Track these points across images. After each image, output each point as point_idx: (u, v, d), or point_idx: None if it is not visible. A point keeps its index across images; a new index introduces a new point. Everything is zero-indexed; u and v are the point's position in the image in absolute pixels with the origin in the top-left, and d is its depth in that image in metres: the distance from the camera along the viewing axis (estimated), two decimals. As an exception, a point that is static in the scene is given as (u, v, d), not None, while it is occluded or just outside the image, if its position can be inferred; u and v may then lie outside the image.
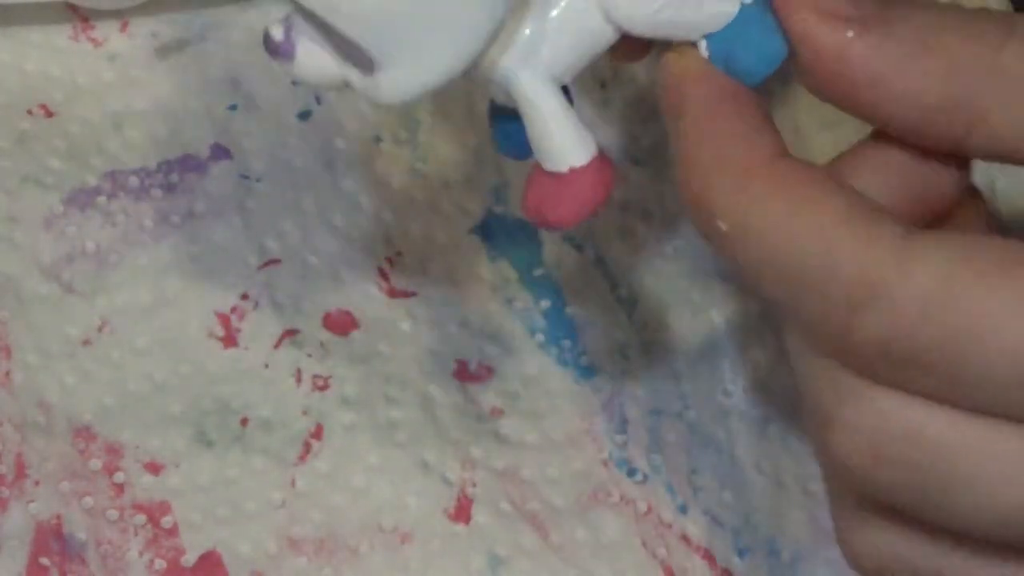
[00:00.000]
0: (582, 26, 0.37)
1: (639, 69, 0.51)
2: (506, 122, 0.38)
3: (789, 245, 0.37)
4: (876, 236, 0.36)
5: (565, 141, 0.37)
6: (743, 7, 0.38)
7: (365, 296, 0.47)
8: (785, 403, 0.47)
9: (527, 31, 0.37)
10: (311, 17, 0.36)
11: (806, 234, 0.37)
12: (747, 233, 0.37)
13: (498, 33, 0.36)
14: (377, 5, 0.35)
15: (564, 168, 0.37)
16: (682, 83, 0.38)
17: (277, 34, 0.36)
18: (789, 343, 0.39)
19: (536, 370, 0.47)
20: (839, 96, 0.38)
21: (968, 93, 0.37)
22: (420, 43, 0.36)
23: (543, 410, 0.47)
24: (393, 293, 0.48)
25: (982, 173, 0.47)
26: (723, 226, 0.37)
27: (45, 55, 0.49)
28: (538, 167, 0.37)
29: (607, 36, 0.38)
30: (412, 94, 0.37)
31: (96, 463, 0.44)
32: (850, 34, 0.37)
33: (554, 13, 0.37)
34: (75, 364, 0.45)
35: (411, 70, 0.36)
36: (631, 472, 0.46)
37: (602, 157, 0.37)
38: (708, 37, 0.38)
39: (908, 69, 0.37)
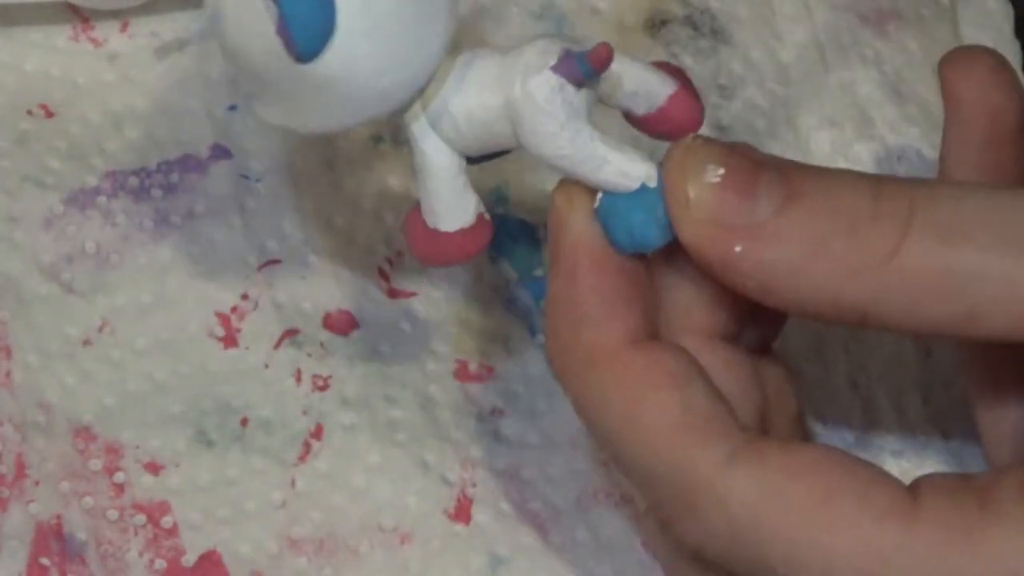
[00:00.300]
0: (485, 122, 0.38)
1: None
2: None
3: (619, 443, 0.38)
4: (698, 455, 0.37)
5: (440, 207, 0.39)
6: (643, 187, 0.38)
7: (365, 296, 0.47)
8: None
9: (433, 105, 0.38)
10: None
11: (633, 438, 0.38)
12: (586, 415, 0.39)
13: (352, 122, 0.38)
14: (240, 60, 0.37)
15: (432, 226, 0.39)
16: (561, 226, 0.39)
17: None
18: None
19: (536, 370, 0.47)
20: (728, 287, 0.38)
21: (860, 297, 0.37)
22: (278, 103, 0.38)
23: (543, 410, 0.46)
24: (393, 293, 0.48)
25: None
26: (568, 396, 0.39)
27: (45, 55, 0.49)
28: (418, 208, 0.39)
29: (512, 141, 0.38)
30: (281, 127, 0.39)
31: (96, 463, 0.44)
32: (738, 248, 0.37)
33: (455, 105, 0.38)
34: (75, 364, 0.45)
35: (274, 113, 0.39)
36: (631, 472, 0.46)
37: (477, 224, 0.39)
38: (604, 192, 0.38)
39: (796, 280, 0.37)
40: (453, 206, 0.39)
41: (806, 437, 0.43)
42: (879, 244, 0.36)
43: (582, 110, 0.37)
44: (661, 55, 0.51)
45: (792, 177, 0.37)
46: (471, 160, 0.39)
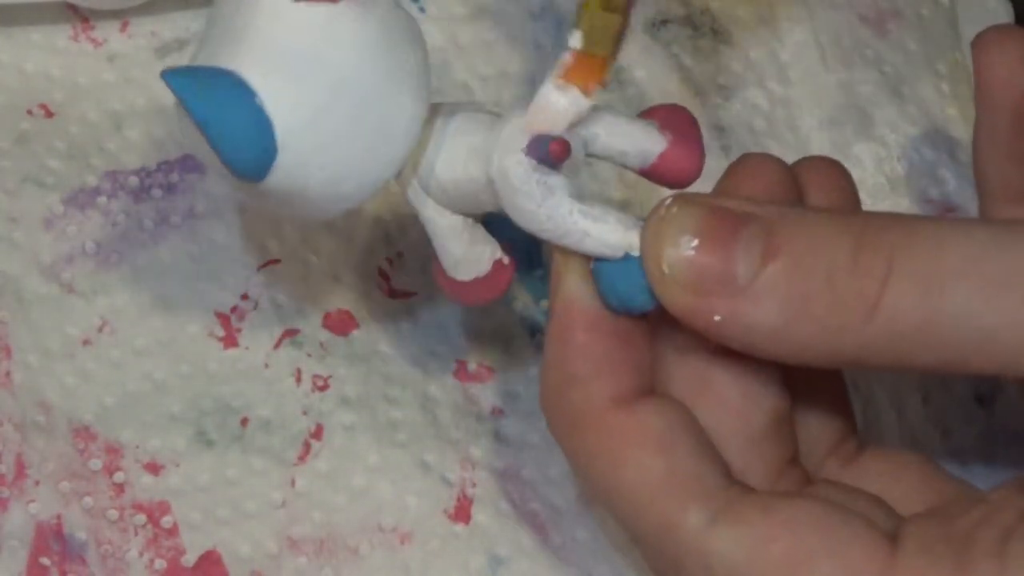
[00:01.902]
0: (471, 192, 0.39)
1: (639, 69, 0.51)
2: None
3: (607, 502, 0.39)
4: (679, 518, 0.37)
5: (450, 262, 0.40)
6: (627, 257, 0.38)
7: (365, 296, 0.47)
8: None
9: (420, 169, 0.39)
10: None
11: (618, 497, 0.38)
12: (575, 468, 0.40)
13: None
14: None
15: (453, 277, 0.40)
16: (556, 285, 0.39)
17: None
18: None
19: (536, 370, 0.47)
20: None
21: (846, 351, 0.37)
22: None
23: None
24: (393, 293, 0.48)
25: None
26: (561, 449, 0.40)
27: (45, 55, 0.49)
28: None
29: (491, 204, 0.39)
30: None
31: (96, 463, 0.44)
32: (717, 318, 0.37)
33: (438, 172, 0.39)
34: (75, 364, 0.45)
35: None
36: (631, 472, 0.46)
37: (493, 272, 0.40)
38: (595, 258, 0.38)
39: (781, 341, 0.37)
40: (463, 260, 0.40)
41: (843, 432, 0.43)
42: (859, 300, 0.36)
43: (559, 186, 0.38)
44: (661, 55, 0.51)
45: (773, 231, 0.37)
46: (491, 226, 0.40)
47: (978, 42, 0.41)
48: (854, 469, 0.41)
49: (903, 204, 0.50)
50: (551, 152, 0.37)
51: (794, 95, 0.51)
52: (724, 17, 0.52)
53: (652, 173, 0.39)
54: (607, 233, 0.38)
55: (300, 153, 0.36)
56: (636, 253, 0.38)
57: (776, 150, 0.50)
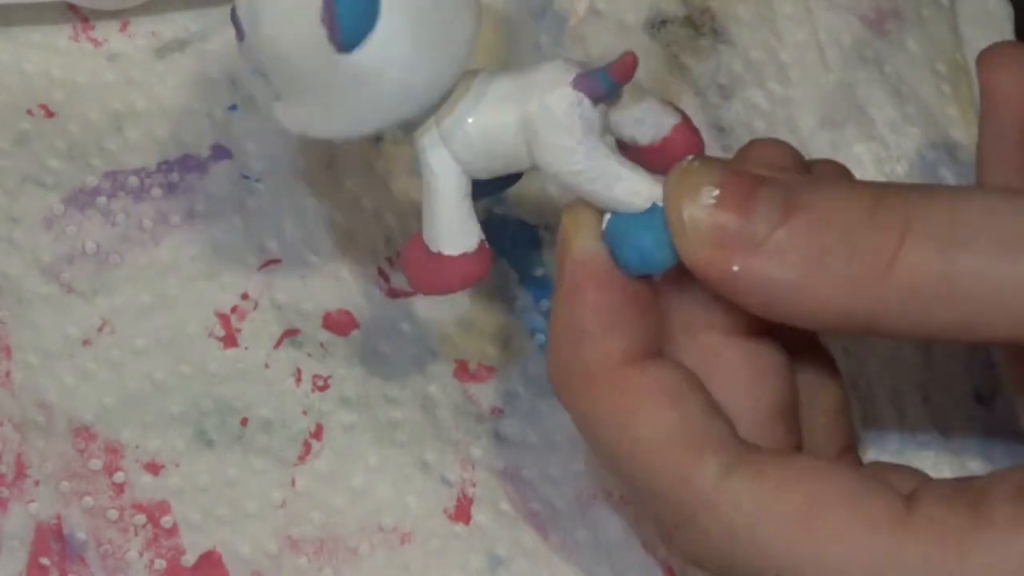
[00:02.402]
0: (499, 140, 0.38)
1: (639, 70, 0.51)
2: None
3: (617, 458, 0.39)
4: (694, 469, 0.37)
5: (443, 229, 0.39)
6: (653, 207, 0.38)
7: (365, 296, 0.47)
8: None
9: (447, 121, 0.38)
10: None
11: (631, 453, 0.38)
12: (585, 431, 0.39)
13: (383, 123, 0.38)
14: (275, 51, 0.38)
15: (435, 250, 0.39)
16: (567, 245, 0.39)
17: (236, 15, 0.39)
18: None
19: (536, 370, 0.47)
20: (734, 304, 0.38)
21: (861, 308, 0.37)
22: (306, 101, 0.38)
23: (543, 410, 0.46)
24: (393, 293, 0.48)
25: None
26: (569, 412, 0.39)
27: (45, 55, 0.49)
28: (419, 234, 0.39)
29: (522, 162, 0.38)
30: (302, 132, 0.39)
31: (96, 463, 0.44)
32: (735, 268, 0.37)
33: (471, 120, 0.38)
34: (75, 364, 0.45)
35: (299, 115, 0.39)
36: (631, 472, 0.46)
37: (479, 251, 0.39)
38: (613, 214, 0.38)
39: (797, 296, 0.37)
40: (458, 228, 0.39)
41: (848, 432, 0.43)
42: (876, 255, 0.36)
43: (597, 127, 0.38)
44: (661, 55, 0.51)
45: (791, 191, 0.37)
46: (476, 191, 0.39)
47: (984, 58, 0.41)
48: None
49: (903, 204, 0.50)
50: (623, 65, 0.37)
51: (794, 95, 0.51)
52: (724, 17, 0.52)
53: (660, 148, 0.39)
54: (638, 180, 0.38)
55: (391, 27, 0.36)
56: (662, 204, 0.38)
57: (776, 150, 0.50)
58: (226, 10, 0.50)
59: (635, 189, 0.38)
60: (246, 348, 0.46)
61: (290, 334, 0.47)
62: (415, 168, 0.39)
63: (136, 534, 0.44)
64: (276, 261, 0.47)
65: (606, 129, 0.38)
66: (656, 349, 0.39)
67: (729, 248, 0.37)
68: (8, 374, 0.45)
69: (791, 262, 0.36)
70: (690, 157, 0.38)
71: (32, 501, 0.44)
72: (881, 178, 0.51)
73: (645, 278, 0.39)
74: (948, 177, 0.51)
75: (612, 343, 0.38)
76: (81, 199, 0.47)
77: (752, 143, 0.42)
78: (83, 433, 0.45)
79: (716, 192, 0.37)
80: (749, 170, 0.37)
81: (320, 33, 0.36)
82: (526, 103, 0.38)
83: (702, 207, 0.37)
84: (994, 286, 0.36)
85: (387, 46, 0.36)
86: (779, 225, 0.36)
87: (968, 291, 0.36)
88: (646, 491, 0.38)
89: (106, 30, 0.50)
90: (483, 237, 0.39)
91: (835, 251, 0.36)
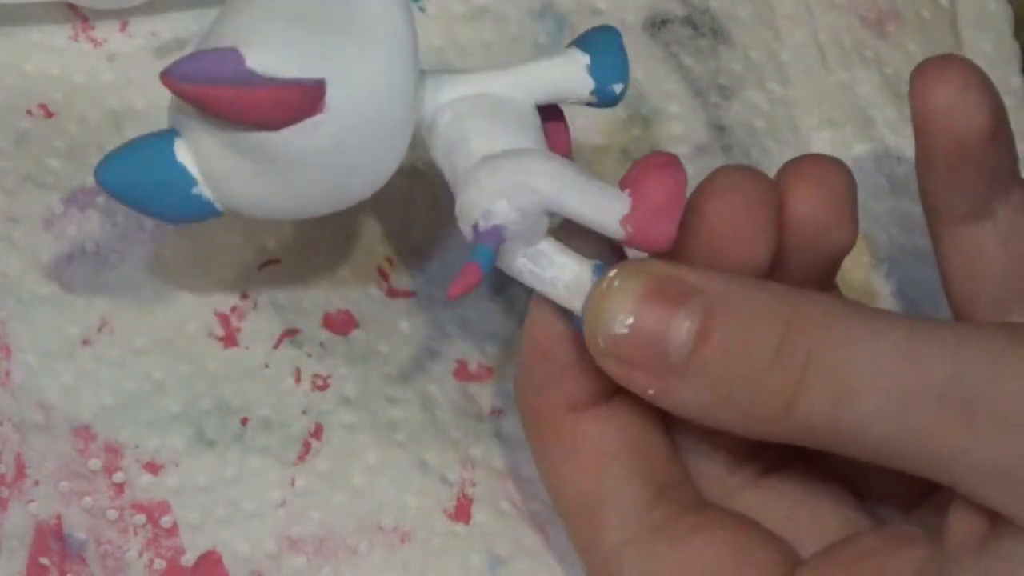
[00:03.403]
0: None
1: (639, 70, 0.51)
2: None
3: (553, 503, 0.42)
4: (595, 538, 0.40)
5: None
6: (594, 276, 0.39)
7: (365, 296, 0.47)
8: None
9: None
10: None
11: (555, 499, 0.42)
12: (539, 473, 0.42)
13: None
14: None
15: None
16: (534, 298, 0.40)
17: None
18: None
19: (536, 370, 0.47)
20: None
21: (764, 433, 0.38)
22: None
23: (543, 410, 0.47)
24: (393, 293, 0.48)
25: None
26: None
27: (45, 55, 0.49)
28: None
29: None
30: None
31: (96, 463, 0.44)
32: (650, 391, 0.38)
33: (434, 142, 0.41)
34: (75, 364, 0.45)
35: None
36: (631, 472, 0.46)
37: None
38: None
39: (708, 417, 0.39)
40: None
41: None
42: (776, 396, 0.37)
43: (509, 249, 0.39)
44: (661, 55, 0.51)
45: (708, 314, 0.38)
46: None
47: (918, 73, 0.41)
48: (767, 485, 0.43)
49: (903, 204, 0.50)
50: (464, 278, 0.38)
51: (794, 95, 0.51)
52: (724, 17, 0.52)
53: (624, 243, 0.39)
54: (559, 292, 0.39)
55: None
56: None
57: (776, 150, 0.50)
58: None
59: (558, 298, 0.39)
60: (246, 348, 0.46)
61: (290, 334, 0.46)
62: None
63: (136, 534, 0.44)
64: (276, 261, 0.47)
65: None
66: (610, 394, 0.41)
67: (643, 370, 0.38)
68: (8, 374, 0.45)
69: (702, 390, 0.38)
70: (612, 274, 0.38)
71: (32, 501, 0.44)
72: (881, 179, 0.51)
73: None
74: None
75: (559, 392, 0.41)
76: (81, 199, 0.47)
77: (717, 173, 0.41)
78: (83, 433, 0.45)
79: (630, 320, 0.38)
80: (672, 281, 0.38)
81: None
82: (453, 186, 0.39)
83: (616, 335, 0.38)
84: (883, 436, 0.37)
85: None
86: (693, 349, 0.38)
87: (860, 438, 0.37)
88: (570, 537, 0.42)
89: (106, 30, 0.50)
90: None
91: (740, 387, 0.38)
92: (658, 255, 0.39)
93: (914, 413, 0.36)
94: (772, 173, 0.42)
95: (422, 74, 0.40)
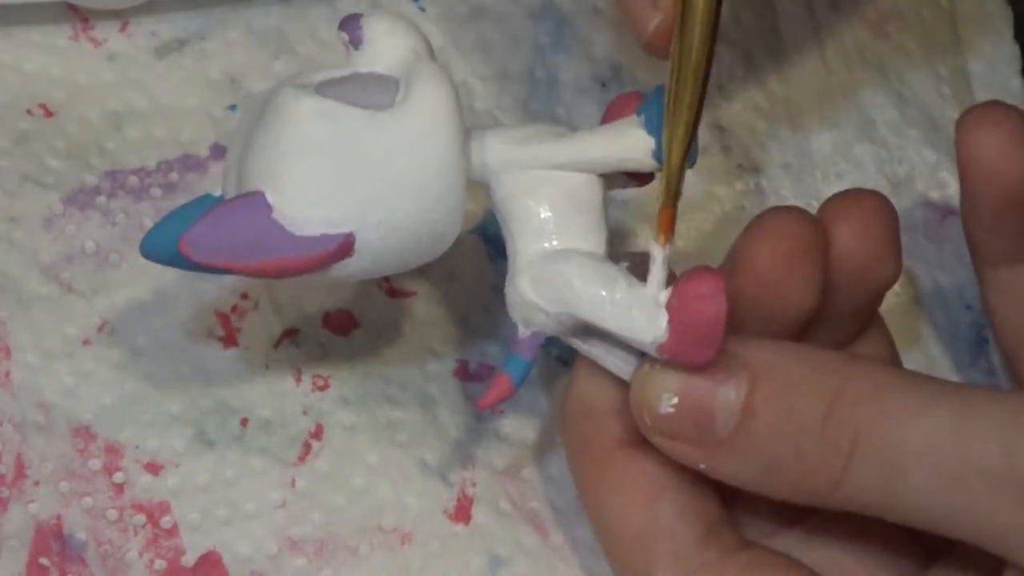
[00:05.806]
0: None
1: (639, 69, 0.51)
2: None
3: (596, 533, 0.42)
4: (651, 571, 0.40)
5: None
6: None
7: (365, 296, 0.47)
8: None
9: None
10: None
11: (604, 536, 0.41)
12: (585, 504, 0.42)
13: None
14: None
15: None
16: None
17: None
18: None
19: (536, 370, 0.47)
20: None
21: (816, 503, 0.39)
22: None
23: (543, 410, 0.46)
24: (393, 293, 0.48)
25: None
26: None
27: (45, 55, 0.49)
28: None
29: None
30: None
31: (96, 463, 0.44)
32: (701, 465, 0.39)
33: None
34: (75, 364, 0.45)
35: None
36: (631, 472, 0.46)
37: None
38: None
39: (758, 487, 0.39)
40: None
41: None
42: (825, 473, 0.38)
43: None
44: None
45: (753, 388, 0.38)
46: None
47: (964, 120, 0.42)
48: (808, 525, 0.43)
49: (904, 205, 0.50)
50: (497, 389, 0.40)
51: (794, 95, 0.51)
52: (724, 17, 0.52)
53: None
54: (606, 364, 0.40)
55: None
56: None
57: (776, 150, 0.50)
58: (226, 10, 0.50)
59: (617, 367, 0.40)
60: (246, 348, 0.46)
61: (290, 334, 0.46)
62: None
63: (136, 534, 0.44)
64: (276, 261, 0.47)
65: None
66: None
67: (691, 447, 0.38)
68: (8, 374, 0.45)
69: (749, 465, 0.38)
70: (646, 366, 0.39)
71: (32, 501, 0.44)
72: (882, 180, 0.51)
73: None
74: (949, 180, 0.51)
75: (612, 423, 0.41)
76: (81, 199, 0.47)
77: (763, 218, 0.41)
78: (83, 433, 0.45)
79: (675, 400, 0.38)
80: (716, 360, 0.38)
81: None
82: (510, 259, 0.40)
83: (663, 416, 0.38)
84: (935, 513, 0.37)
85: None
86: (737, 426, 0.38)
87: (911, 513, 0.37)
88: (617, 569, 0.41)
89: (106, 30, 0.50)
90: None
91: (788, 464, 0.38)
92: None
93: (964, 492, 0.36)
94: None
95: (468, 132, 0.39)
